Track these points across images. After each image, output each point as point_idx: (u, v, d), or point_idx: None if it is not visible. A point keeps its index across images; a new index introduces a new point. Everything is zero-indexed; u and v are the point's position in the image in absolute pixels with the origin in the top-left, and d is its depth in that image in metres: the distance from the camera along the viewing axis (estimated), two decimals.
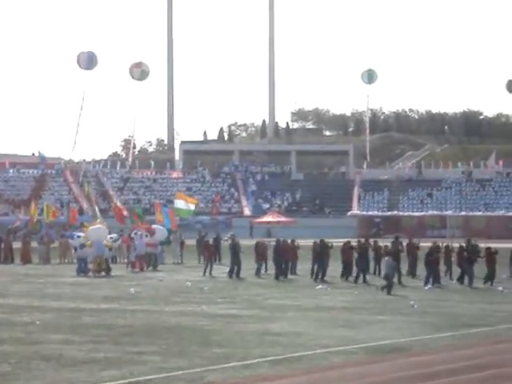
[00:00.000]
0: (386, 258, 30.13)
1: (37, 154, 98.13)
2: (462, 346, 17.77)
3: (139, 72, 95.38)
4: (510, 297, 28.12)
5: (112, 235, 40.80)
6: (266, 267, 37.36)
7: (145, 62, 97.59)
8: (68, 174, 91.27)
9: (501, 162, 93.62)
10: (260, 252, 36.88)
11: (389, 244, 35.12)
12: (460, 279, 32.62)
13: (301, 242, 39.21)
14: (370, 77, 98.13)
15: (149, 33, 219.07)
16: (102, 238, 38.86)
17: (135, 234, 42.05)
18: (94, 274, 36.95)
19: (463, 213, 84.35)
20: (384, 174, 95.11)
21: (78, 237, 39.15)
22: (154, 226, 44.12)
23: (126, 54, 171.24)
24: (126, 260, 43.05)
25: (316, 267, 34.66)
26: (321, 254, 34.86)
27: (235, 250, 36.17)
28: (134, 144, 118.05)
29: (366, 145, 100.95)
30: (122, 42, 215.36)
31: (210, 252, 38.62)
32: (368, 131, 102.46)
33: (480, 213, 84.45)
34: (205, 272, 37.11)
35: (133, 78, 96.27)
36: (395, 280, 32.76)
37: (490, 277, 32.37)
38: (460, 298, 27.96)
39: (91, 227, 39.52)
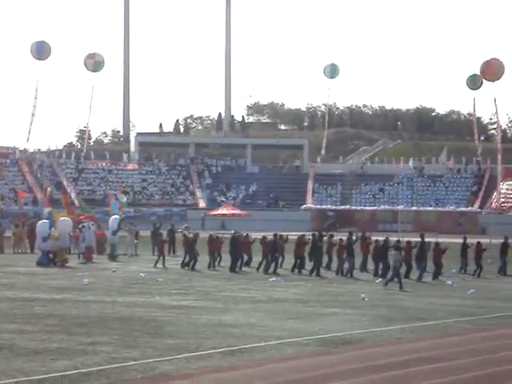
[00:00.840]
0: (392, 252, 30.16)
1: None
2: (412, 339, 18.04)
3: (92, 63, 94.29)
4: (460, 291, 28.56)
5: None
6: (219, 260, 37.47)
7: (99, 52, 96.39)
8: (23, 163, 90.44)
9: (452, 159, 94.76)
10: (213, 245, 36.95)
11: (343, 238, 35.46)
12: (407, 275, 32.93)
13: (256, 235, 39.42)
14: (332, 71, 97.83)
15: (105, 24, 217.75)
16: (68, 229, 39.01)
17: (83, 226, 42.19)
18: (60, 265, 36.88)
19: (414, 208, 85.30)
20: (337, 168, 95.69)
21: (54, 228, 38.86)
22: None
23: (83, 45, 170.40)
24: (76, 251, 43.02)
25: (269, 260, 34.91)
26: (273, 247, 35.11)
27: (192, 242, 36.27)
28: (90, 135, 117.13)
29: (323, 138, 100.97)
30: (79, 32, 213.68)
31: (162, 244, 38.57)
32: (327, 125, 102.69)
33: (431, 208, 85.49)
34: (156, 264, 37.04)
35: (87, 69, 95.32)
36: (349, 274, 33.17)
37: (438, 272, 32.87)
38: (410, 291, 28.32)
39: (60, 219, 39.65)
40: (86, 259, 39.71)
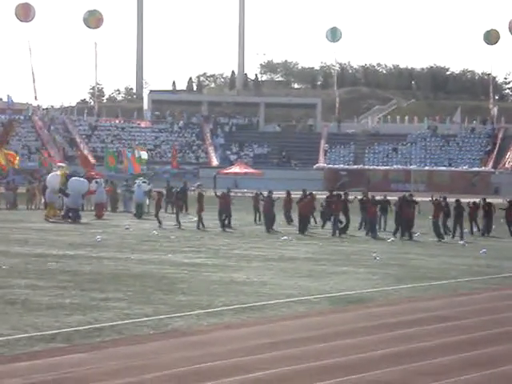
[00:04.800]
0: None
1: (5, 99, 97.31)
2: (423, 298, 18.05)
3: (83, 21, 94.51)
4: (471, 251, 28.51)
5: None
6: (260, 218, 37.13)
7: (88, 9, 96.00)
8: (36, 119, 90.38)
9: (466, 118, 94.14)
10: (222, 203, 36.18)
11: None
12: (396, 233, 32.78)
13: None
14: (333, 35, 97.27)
15: None
16: (54, 185, 38.52)
17: (96, 182, 42.04)
18: (47, 220, 37.02)
19: (427, 167, 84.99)
20: (351, 127, 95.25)
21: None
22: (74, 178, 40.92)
23: (99, 3, 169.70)
24: (92, 208, 43.11)
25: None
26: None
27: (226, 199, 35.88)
28: (101, 92, 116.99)
29: (335, 100, 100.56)
30: None
31: (159, 203, 37.16)
32: (336, 87, 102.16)
33: (444, 168, 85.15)
34: (160, 223, 35.76)
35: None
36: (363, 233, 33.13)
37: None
38: (422, 251, 28.31)
39: (50, 174, 39.74)
40: (96, 216, 39.64)
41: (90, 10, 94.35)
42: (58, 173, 39.86)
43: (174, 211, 38.08)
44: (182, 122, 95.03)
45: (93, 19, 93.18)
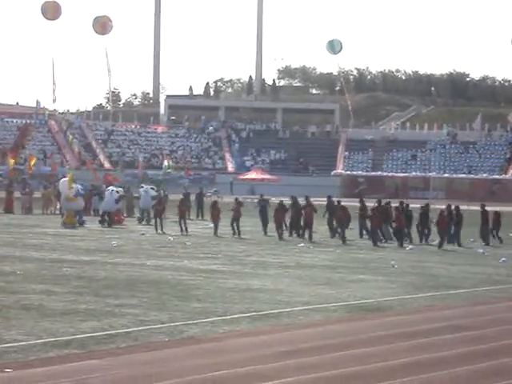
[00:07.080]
0: None
1: (20, 104, 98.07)
2: (442, 307, 17.87)
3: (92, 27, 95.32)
4: (490, 259, 28.29)
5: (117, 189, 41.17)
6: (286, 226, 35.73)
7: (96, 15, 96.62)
8: (53, 124, 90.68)
9: (486, 125, 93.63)
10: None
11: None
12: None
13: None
14: (332, 47, 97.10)
15: None
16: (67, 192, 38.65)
17: (107, 190, 42.21)
18: (66, 226, 37.01)
19: (446, 175, 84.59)
20: (369, 133, 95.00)
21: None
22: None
23: (117, 8, 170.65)
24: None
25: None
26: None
27: (264, 207, 36.03)
28: (118, 96, 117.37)
29: (353, 106, 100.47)
30: None
31: (159, 209, 36.44)
32: (347, 95, 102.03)
33: (463, 175, 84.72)
34: (156, 229, 35.54)
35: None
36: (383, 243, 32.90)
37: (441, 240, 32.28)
38: (440, 259, 28.10)
39: (61, 181, 40.13)
40: (114, 222, 39.52)
41: (95, 17, 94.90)
42: (67, 178, 40.35)
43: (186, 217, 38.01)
44: (208, 128, 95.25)
45: (97, 25, 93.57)
